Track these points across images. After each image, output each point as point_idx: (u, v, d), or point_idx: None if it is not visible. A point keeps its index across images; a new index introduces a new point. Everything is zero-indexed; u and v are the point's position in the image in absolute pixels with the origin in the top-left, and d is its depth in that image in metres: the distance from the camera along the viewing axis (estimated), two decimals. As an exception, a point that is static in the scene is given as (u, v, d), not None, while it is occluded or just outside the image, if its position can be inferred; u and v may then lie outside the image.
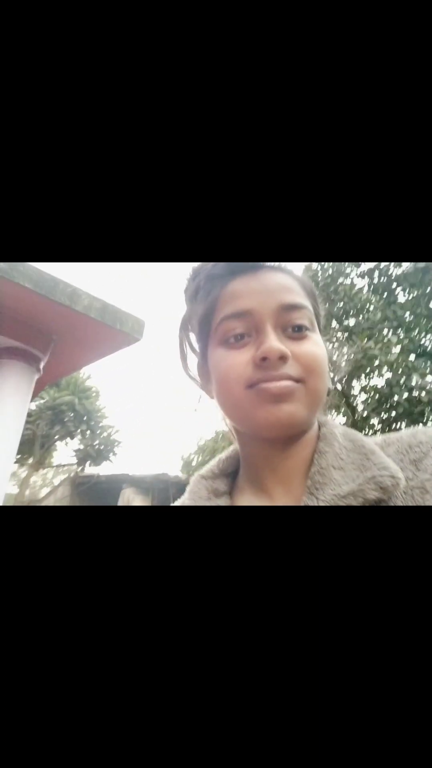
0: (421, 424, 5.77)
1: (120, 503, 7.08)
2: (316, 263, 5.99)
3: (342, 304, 5.83)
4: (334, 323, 5.96)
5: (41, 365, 3.66)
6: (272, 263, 0.50)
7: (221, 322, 0.48)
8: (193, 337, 0.55)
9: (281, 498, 0.49)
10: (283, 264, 0.51)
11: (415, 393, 5.14)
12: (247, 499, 0.51)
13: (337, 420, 6.20)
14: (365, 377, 5.90)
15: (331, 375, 0.51)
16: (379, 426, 6.13)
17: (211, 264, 0.52)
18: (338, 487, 0.44)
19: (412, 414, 5.31)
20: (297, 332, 0.47)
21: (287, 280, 0.49)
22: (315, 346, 0.47)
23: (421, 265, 5.49)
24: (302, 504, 0.45)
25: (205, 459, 9.28)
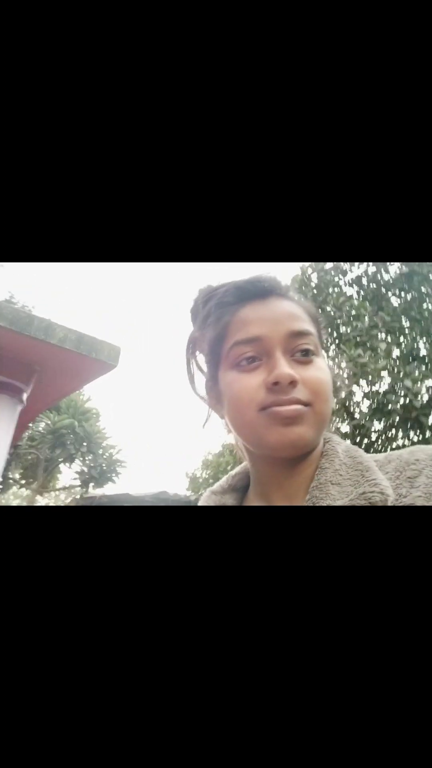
0: (419, 431, 5.67)
1: (122, 524, 7.07)
2: (304, 275, 5.96)
3: (333, 313, 5.79)
4: (332, 331, 5.91)
5: (24, 396, 3.78)
6: (280, 292, 0.53)
7: (233, 346, 0.51)
8: (200, 358, 0.58)
9: None
10: (288, 292, 0.54)
11: (410, 398, 5.05)
12: None
13: (338, 425, 6.12)
14: (367, 384, 5.81)
15: (341, 393, 0.55)
16: (383, 432, 6.02)
17: (221, 291, 0.55)
18: (333, 501, 0.47)
19: (409, 419, 5.21)
20: (304, 356, 0.50)
21: (294, 307, 0.53)
22: (320, 371, 0.51)
23: (405, 269, 5.43)
24: None
25: (211, 474, 9.21)
